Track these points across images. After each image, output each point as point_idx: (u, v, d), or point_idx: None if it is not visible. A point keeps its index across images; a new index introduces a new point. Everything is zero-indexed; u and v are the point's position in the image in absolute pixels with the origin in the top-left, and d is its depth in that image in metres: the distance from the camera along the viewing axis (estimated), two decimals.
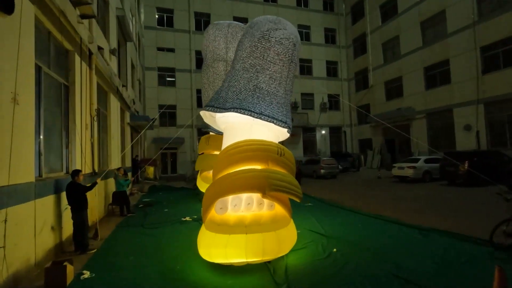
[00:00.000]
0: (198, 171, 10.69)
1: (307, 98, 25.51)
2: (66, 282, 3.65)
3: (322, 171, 17.76)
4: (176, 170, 21.50)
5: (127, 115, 13.37)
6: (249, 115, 5.55)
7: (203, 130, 10.94)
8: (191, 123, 21.73)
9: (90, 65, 7.06)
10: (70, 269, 3.85)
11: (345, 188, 13.14)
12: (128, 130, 13.40)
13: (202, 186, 9.58)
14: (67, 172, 5.88)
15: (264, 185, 4.20)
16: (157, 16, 22.09)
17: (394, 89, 21.76)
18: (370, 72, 23.86)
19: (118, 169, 8.44)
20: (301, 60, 25.57)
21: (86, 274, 3.99)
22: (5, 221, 3.31)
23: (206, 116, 6.63)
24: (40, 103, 4.74)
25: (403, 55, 20.55)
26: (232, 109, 5.62)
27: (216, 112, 5.97)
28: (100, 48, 7.21)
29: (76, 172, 5.01)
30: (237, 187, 4.25)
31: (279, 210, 4.36)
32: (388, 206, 8.41)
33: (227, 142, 6.03)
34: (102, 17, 9.36)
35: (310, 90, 25.48)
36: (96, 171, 7.39)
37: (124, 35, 12.63)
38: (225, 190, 4.26)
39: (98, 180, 5.52)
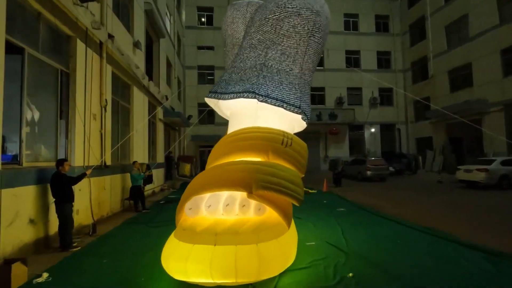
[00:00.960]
0: None
1: (354, 93, 23.26)
2: (10, 285, 3.13)
3: (368, 172, 15.75)
4: None
5: (160, 111, 13.38)
6: (252, 98, 4.57)
7: None
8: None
9: (100, 54, 6.83)
10: (22, 270, 3.35)
11: (394, 193, 11.18)
12: (160, 126, 13.41)
13: None
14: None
15: (251, 182, 3.18)
16: (197, 15, 22.31)
17: (460, 78, 18.42)
18: (430, 60, 20.68)
19: (133, 163, 8.16)
20: (348, 52, 23.49)
21: (43, 277, 3.45)
22: None
23: (212, 103, 5.79)
24: (23, 88, 4.44)
25: (472, 37, 17.22)
26: (233, 94, 4.71)
27: (217, 98, 5.12)
28: (110, 36, 6.93)
29: (61, 162, 4.61)
30: (217, 182, 3.32)
31: (272, 215, 3.29)
32: (447, 218, 6.58)
33: (231, 131, 5.15)
34: (125, 9, 9.27)
35: (358, 84, 23.19)
36: (108, 164, 7.14)
37: (155, 31, 12.64)
38: (202, 186, 3.37)
39: (88, 172, 5.07)
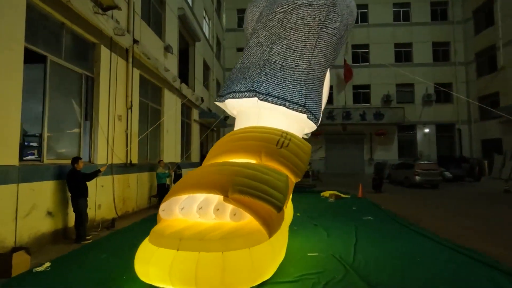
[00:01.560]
0: None
1: (404, 90, 21.20)
2: (10, 272, 3.42)
3: (416, 178, 14.15)
4: None
5: (195, 112, 13.86)
6: (253, 97, 4.34)
7: None
8: None
9: (127, 58, 7.26)
10: (25, 259, 3.65)
11: (444, 202, 9.79)
12: (195, 127, 13.88)
13: None
14: (89, 161, 6.06)
15: (227, 185, 2.98)
16: (237, 18, 22.66)
17: None
18: (499, 49, 17.79)
19: (159, 162, 8.51)
20: (397, 45, 21.52)
21: (44, 266, 3.71)
22: None
23: (220, 103, 5.67)
24: (45, 92, 4.88)
25: None
26: (235, 93, 4.54)
27: (222, 101, 5.00)
28: (135, 42, 7.31)
29: (76, 160, 4.96)
30: (194, 184, 3.19)
31: (252, 222, 3.02)
32: (506, 237, 5.45)
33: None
34: (157, 15, 9.76)
35: (409, 80, 21.05)
36: (134, 162, 7.55)
37: (191, 35, 13.11)
38: (180, 188, 3.26)
39: (102, 169, 5.38)
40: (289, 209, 4.92)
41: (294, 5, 4.92)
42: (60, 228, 5.00)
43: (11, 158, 4.09)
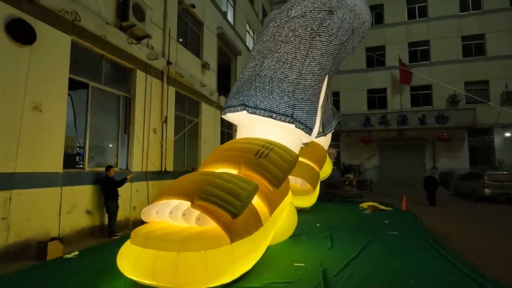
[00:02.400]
0: None
1: (476, 88, 18.36)
2: (45, 256, 4.35)
3: (486, 190, 12.17)
4: None
5: None
6: (243, 110, 4.65)
7: None
8: None
9: (162, 78, 8.28)
10: (58, 247, 4.57)
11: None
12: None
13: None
14: (126, 168, 7.10)
15: (194, 192, 3.34)
16: None
17: None
18: None
19: (192, 169, 9.31)
20: (465, 38, 18.90)
21: (72, 254, 4.58)
22: (10, 199, 4.37)
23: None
24: (87, 112, 6.01)
25: None
26: (230, 108, 4.91)
27: (223, 115, 5.40)
28: (169, 63, 8.29)
29: (108, 168, 5.94)
30: (169, 191, 3.63)
31: (217, 227, 3.29)
32: None
33: None
34: (195, 36, 10.80)
35: (482, 76, 18.23)
36: (169, 170, 8.47)
37: (231, 50, 13.98)
38: (160, 193, 3.73)
39: (128, 177, 6.27)
40: (284, 218, 4.99)
41: (287, 18, 5.05)
42: (97, 225, 6.01)
43: (56, 166, 5.18)
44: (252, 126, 4.91)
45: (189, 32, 10.36)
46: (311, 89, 4.86)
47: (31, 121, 4.74)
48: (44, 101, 4.95)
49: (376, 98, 20.34)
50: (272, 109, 4.48)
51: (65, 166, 5.46)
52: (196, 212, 3.34)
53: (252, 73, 4.97)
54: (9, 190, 4.40)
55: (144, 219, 3.63)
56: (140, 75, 7.42)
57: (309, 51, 4.87)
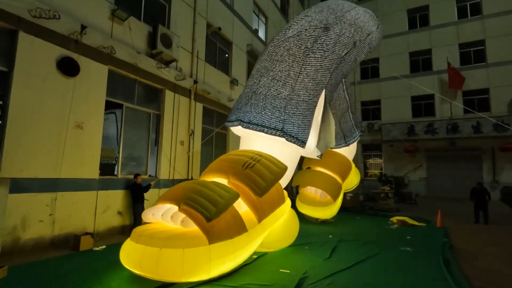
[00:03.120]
0: None
1: None
2: (79, 247, 5.31)
3: None
4: None
5: None
6: (238, 125, 5.15)
7: None
8: None
9: (189, 96, 9.22)
10: (89, 241, 5.52)
11: None
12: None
13: (299, 205, 9.07)
14: (155, 176, 8.06)
15: (181, 198, 3.91)
16: None
17: None
18: None
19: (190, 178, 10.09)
20: None
21: (100, 247, 5.50)
22: (55, 199, 5.48)
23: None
24: (121, 128, 7.11)
25: None
26: (229, 123, 5.44)
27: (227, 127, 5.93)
28: (195, 82, 9.21)
29: (136, 176, 6.89)
30: (164, 196, 4.24)
31: (197, 229, 3.78)
32: None
33: None
34: (223, 55, 11.70)
35: None
36: (195, 178, 9.28)
37: None
38: (159, 198, 4.37)
39: (152, 183, 7.14)
40: (282, 226, 5.24)
41: (284, 38, 5.42)
42: (127, 224, 6.97)
43: (93, 173, 6.26)
44: (249, 139, 5.34)
45: (218, 51, 11.28)
46: (304, 104, 5.11)
47: (74, 136, 5.88)
48: (85, 120, 6.09)
49: (422, 105, 18.90)
50: (263, 124, 4.85)
51: (102, 173, 6.56)
52: (182, 215, 3.88)
53: (250, 90, 5.43)
54: (55, 192, 5.52)
55: (144, 219, 4.28)
56: (168, 94, 8.42)
57: (302, 68, 5.15)
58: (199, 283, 3.69)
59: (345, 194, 14.06)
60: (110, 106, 6.94)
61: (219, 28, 10.49)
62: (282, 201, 5.09)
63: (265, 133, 4.84)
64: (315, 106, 5.30)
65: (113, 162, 7.11)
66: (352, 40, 5.73)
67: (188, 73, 9.19)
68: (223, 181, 4.54)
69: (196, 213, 3.66)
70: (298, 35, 5.34)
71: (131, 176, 7.14)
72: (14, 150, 4.98)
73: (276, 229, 5.14)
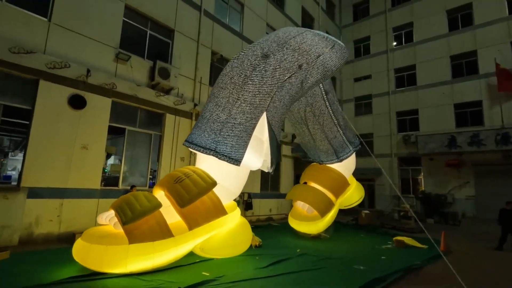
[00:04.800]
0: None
1: None
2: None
3: None
4: (374, 205, 19.34)
5: (286, 148, 15.43)
6: (185, 145, 6.01)
7: (302, 159, 10.47)
8: (390, 152, 18.96)
9: (191, 117, 10.48)
10: None
11: None
12: (286, 161, 15.34)
13: (289, 218, 9.42)
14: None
15: (117, 204, 4.97)
16: (354, 49, 22.48)
17: None
18: None
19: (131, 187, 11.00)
20: None
21: None
22: (62, 204, 7.10)
23: None
24: (124, 146, 8.65)
25: None
26: (184, 142, 6.33)
27: None
28: (196, 105, 10.44)
29: (132, 187, 8.26)
30: (112, 203, 5.31)
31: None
32: None
33: None
34: None
35: None
36: None
37: None
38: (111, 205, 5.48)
39: None
40: (226, 236, 5.81)
41: (230, 68, 6.14)
42: None
43: (95, 184, 7.82)
44: (199, 157, 6.13)
45: None
46: (240, 126, 5.70)
47: (80, 155, 7.53)
48: (90, 142, 7.74)
49: (468, 113, 16.79)
50: (200, 144, 5.60)
51: (106, 184, 8.10)
52: (115, 219, 4.88)
53: (201, 114, 6.26)
54: (62, 199, 7.16)
55: (98, 222, 5.41)
56: (169, 117, 9.80)
57: (240, 94, 5.78)
58: (121, 275, 4.57)
59: (361, 211, 13.48)
60: (115, 130, 8.56)
61: (221, 56, 11.66)
62: (220, 213, 5.66)
63: (201, 152, 5.58)
64: (253, 128, 5.82)
65: (117, 175, 8.65)
66: (297, 64, 6.13)
67: (190, 97, 10.50)
68: (162, 193, 5.42)
69: (118, 217, 4.61)
70: (240, 65, 6.00)
71: (139, 188, 8.56)
72: (32, 166, 6.76)
73: (218, 237, 5.74)
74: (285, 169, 15.21)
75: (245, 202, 12.17)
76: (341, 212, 17.10)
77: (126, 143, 8.77)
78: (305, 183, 9.89)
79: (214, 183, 5.43)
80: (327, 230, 9.86)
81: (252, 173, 12.63)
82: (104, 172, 9.70)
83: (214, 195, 5.60)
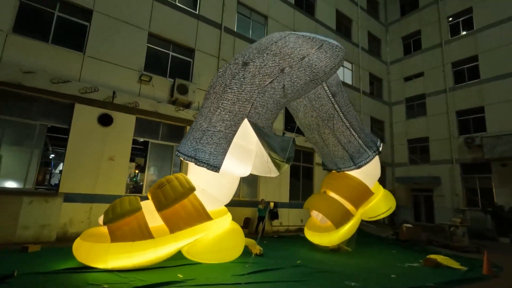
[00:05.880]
0: None
1: None
2: None
3: None
4: (433, 219, 16.85)
5: (317, 156, 14.79)
6: (176, 154, 6.49)
7: (323, 168, 9.93)
8: (450, 157, 16.47)
9: None
10: None
11: None
12: (318, 170, 14.69)
13: (305, 230, 9.09)
14: None
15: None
16: (403, 46, 20.50)
17: None
18: None
19: (261, 200, 11.26)
20: None
21: None
22: (91, 208, 8.26)
23: None
24: (147, 157, 9.62)
25: None
26: None
27: None
28: None
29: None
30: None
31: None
32: None
33: None
34: None
35: None
36: None
37: None
38: None
39: None
40: (206, 241, 5.97)
41: (216, 78, 6.41)
42: None
43: (120, 191, 8.86)
44: (189, 165, 6.47)
45: None
46: (220, 134, 5.88)
47: (107, 166, 8.69)
48: (116, 154, 8.88)
49: None
50: (184, 152, 5.95)
51: (132, 192, 9.11)
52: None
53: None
54: (91, 203, 8.33)
55: (99, 222, 6.15)
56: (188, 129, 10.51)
57: (220, 103, 5.99)
58: (103, 270, 5.09)
59: (402, 225, 11.97)
60: (140, 143, 9.62)
61: None
62: (203, 218, 5.82)
63: (185, 160, 5.90)
64: (233, 135, 5.93)
65: (141, 183, 9.63)
66: (278, 69, 6.08)
67: None
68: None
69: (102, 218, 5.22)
70: (223, 75, 6.23)
71: None
72: (68, 175, 8.08)
73: (204, 242, 5.91)
74: (318, 178, 14.57)
75: (270, 211, 12.07)
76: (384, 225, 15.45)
77: (149, 154, 9.75)
78: (325, 192, 9.37)
79: (192, 189, 5.68)
80: (349, 243, 9.10)
81: (278, 181, 12.56)
82: (133, 180, 10.90)
83: (196, 200, 5.83)
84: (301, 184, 14.02)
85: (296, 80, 6.28)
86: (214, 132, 5.89)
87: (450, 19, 18.09)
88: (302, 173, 14.27)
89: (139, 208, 5.39)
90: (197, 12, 11.60)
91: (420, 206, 17.82)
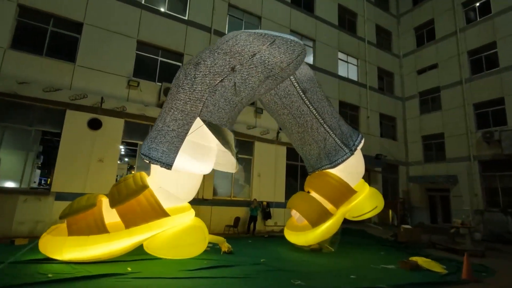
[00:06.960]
0: None
1: None
2: None
3: None
4: (450, 219, 15.58)
5: None
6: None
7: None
8: (468, 154, 15.20)
9: None
10: None
11: None
12: None
13: (285, 230, 9.00)
14: None
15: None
16: (415, 37, 19.31)
17: None
18: None
19: (254, 199, 11.46)
20: None
21: None
22: None
23: None
24: (136, 159, 10.11)
25: None
26: None
27: None
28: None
29: None
30: None
31: None
32: None
33: None
34: None
35: None
36: (206, 198, 10.99)
37: None
38: None
39: None
40: (163, 237, 6.17)
41: (173, 81, 6.62)
42: None
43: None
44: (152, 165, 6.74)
45: None
46: (173, 133, 6.06)
47: (97, 167, 9.30)
48: (105, 156, 9.47)
49: None
50: (141, 151, 6.22)
51: None
52: None
53: None
54: None
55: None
56: None
57: (173, 103, 6.20)
58: (60, 262, 5.47)
59: (401, 226, 11.29)
60: (130, 145, 10.17)
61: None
62: (160, 215, 6.01)
63: (143, 159, 6.18)
64: (186, 133, 6.07)
65: None
66: (228, 67, 6.15)
67: None
68: None
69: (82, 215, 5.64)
70: (178, 76, 6.43)
71: None
72: (59, 176, 8.78)
73: (162, 237, 6.12)
74: None
75: (263, 211, 12.04)
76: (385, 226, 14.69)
77: (138, 156, 10.23)
78: (309, 192, 9.16)
79: (144, 187, 5.91)
80: (332, 243, 8.79)
81: (273, 181, 12.49)
82: None
83: (153, 197, 6.05)
84: (299, 184, 13.77)
85: (248, 78, 6.29)
86: (168, 131, 6.09)
87: (465, 5, 16.73)
88: (300, 173, 14.01)
89: (94, 204, 5.74)
90: (186, 18, 12.00)
91: (436, 207, 16.59)
